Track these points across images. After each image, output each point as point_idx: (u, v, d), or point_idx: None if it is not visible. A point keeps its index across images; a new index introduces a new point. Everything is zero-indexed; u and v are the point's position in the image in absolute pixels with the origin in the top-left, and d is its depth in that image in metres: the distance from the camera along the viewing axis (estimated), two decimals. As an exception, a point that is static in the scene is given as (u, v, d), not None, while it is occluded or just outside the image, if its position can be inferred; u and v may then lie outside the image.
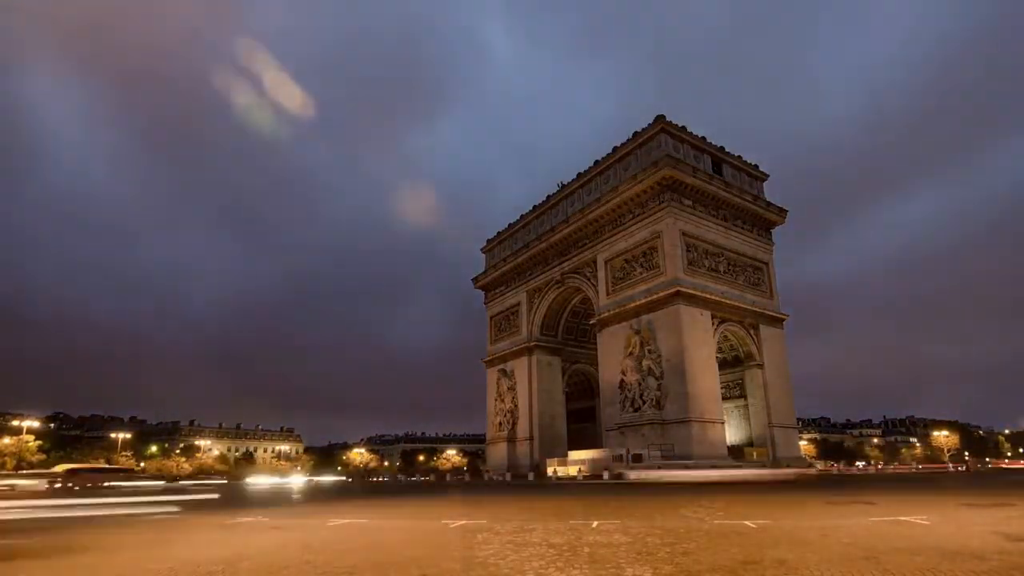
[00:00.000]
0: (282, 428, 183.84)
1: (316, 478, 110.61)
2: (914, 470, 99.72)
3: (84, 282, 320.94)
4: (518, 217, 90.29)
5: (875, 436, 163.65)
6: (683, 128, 66.79)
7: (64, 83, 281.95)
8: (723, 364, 62.66)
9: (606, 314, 66.99)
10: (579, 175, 77.04)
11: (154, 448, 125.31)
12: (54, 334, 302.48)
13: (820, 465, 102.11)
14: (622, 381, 63.05)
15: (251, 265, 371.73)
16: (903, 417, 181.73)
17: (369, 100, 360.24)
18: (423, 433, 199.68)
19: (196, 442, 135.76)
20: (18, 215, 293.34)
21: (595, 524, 13.16)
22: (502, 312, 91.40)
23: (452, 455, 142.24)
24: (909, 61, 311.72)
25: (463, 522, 14.37)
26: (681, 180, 63.02)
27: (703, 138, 68.46)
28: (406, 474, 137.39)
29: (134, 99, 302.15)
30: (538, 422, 79.62)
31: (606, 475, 55.85)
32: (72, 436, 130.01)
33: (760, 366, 64.94)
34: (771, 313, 67.90)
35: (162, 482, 47.11)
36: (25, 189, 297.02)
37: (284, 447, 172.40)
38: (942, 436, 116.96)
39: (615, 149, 70.98)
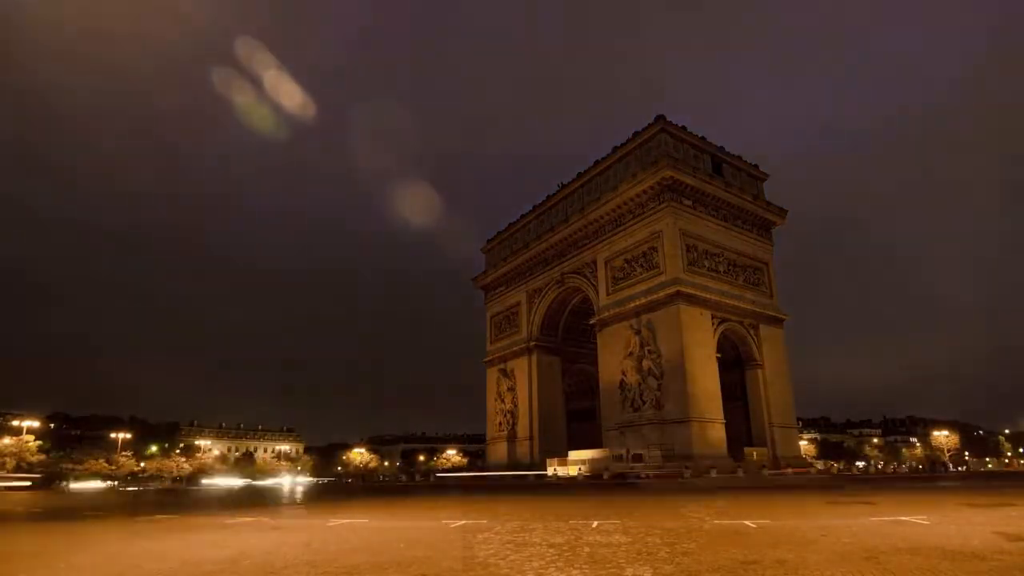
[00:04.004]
0: (283, 428, 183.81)
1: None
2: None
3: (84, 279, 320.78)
4: (518, 217, 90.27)
5: (875, 436, 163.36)
6: (683, 128, 66.76)
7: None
8: (723, 364, 62.64)
9: (606, 314, 66.96)
10: (579, 175, 76.98)
11: (154, 448, 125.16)
12: (54, 333, 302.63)
13: (820, 465, 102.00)
14: (622, 381, 63.02)
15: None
16: (903, 417, 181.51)
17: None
18: (423, 433, 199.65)
19: (196, 442, 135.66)
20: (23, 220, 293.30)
21: (595, 524, 13.17)
22: (502, 312, 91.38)
23: (452, 455, 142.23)
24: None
25: (463, 522, 14.38)
26: (681, 180, 62.97)
27: (703, 138, 68.44)
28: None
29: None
30: (538, 422, 79.61)
31: (605, 474, 55.87)
32: (72, 436, 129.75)
33: (760, 366, 64.90)
34: (771, 313, 67.86)
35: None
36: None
37: (285, 447, 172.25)
38: (942, 436, 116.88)
39: (615, 149, 70.94)
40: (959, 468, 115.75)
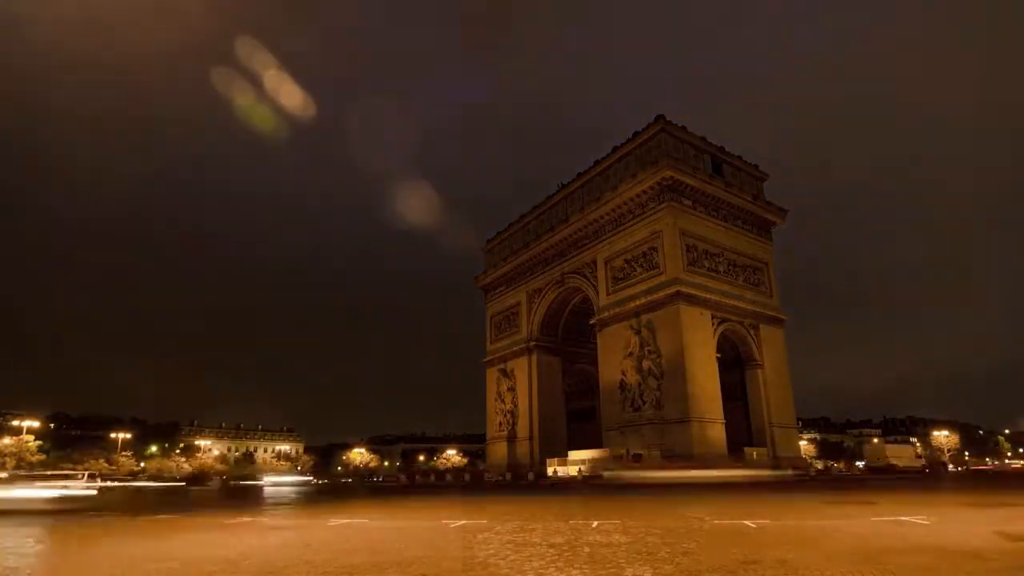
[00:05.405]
0: (283, 428, 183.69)
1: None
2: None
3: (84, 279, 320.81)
4: (518, 217, 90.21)
5: (875, 436, 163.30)
6: (683, 128, 66.73)
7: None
8: (723, 364, 62.66)
9: (606, 314, 66.93)
10: (579, 175, 76.96)
11: (154, 448, 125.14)
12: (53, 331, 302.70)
13: (820, 465, 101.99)
14: (622, 381, 62.99)
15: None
16: (903, 417, 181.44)
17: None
18: (423, 433, 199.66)
19: (196, 442, 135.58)
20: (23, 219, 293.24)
21: (595, 524, 13.15)
22: (502, 312, 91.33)
23: (452, 455, 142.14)
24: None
25: (463, 522, 14.36)
26: (681, 180, 62.95)
27: (703, 138, 68.40)
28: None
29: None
30: (538, 422, 79.56)
31: (605, 474, 55.77)
32: (72, 436, 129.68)
33: (760, 366, 64.87)
34: (771, 313, 67.83)
35: None
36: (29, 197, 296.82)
37: (284, 447, 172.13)
38: (942, 436, 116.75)
39: (615, 149, 70.91)
40: (959, 468, 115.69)
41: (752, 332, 65.34)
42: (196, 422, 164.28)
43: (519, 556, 8.71)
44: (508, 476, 72.85)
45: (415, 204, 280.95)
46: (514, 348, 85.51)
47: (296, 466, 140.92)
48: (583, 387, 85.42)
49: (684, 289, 59.15)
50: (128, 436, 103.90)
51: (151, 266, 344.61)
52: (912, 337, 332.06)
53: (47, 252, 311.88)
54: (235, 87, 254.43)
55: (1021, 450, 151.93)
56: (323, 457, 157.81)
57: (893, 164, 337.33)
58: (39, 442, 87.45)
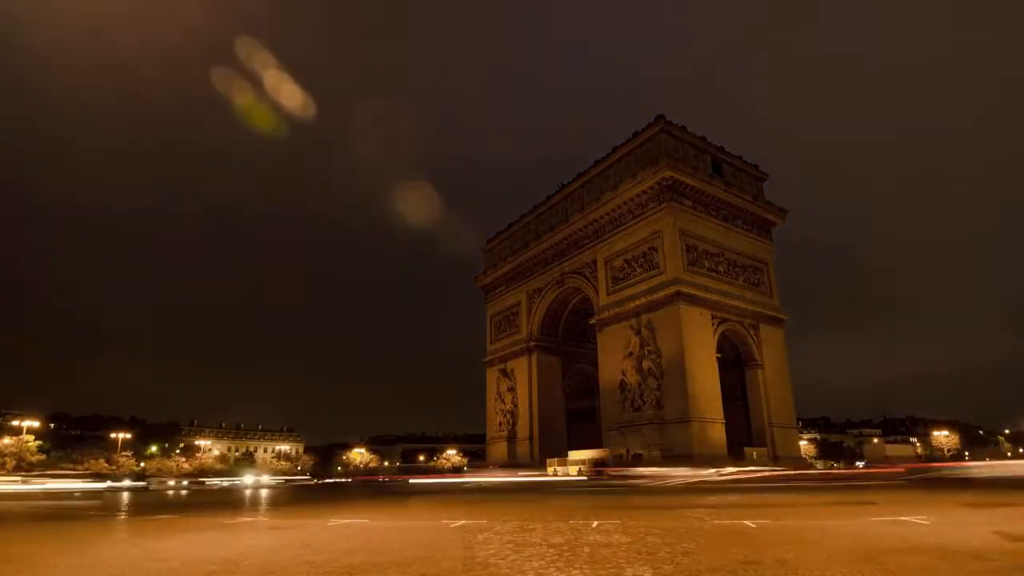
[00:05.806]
0: (283, 428, 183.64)
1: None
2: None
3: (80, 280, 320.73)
4: (518, 217, 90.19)
5: (875, 436, 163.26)
6: (683, 128, 66.71)
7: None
8: (723, 364, 62.67)
9: (606, 314, 66.94)
10: (579, 175, 76.95)
11: (154, 448, 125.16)
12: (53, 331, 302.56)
13: (820, 465, 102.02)
14: (622, 381, 63.00)
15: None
16: (903, 417, 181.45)
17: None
18: (423, 433, 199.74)
19: (196, 442, 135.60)
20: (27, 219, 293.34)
21: (595, 524, 13.15)
22: (502, 312, 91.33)
23: (452, 455, 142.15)
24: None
25: (463, 522, 14.35)
26: (681, 180, 62.95)
27: (703, 138, 68.38)
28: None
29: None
30: (538, 422, 79.58)
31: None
32: (72, 436, 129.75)
33: (760, 366, 64.87)
34: (771, 313, 67.83)
35: None
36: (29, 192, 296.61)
37: (284, 447, 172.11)
38: (942, 436, 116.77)
39: (615, 149, 70.91)
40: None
41: (752, 332, 65.35)
42: (196, 422, 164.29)
43: (519, 556, 8.71)
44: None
45: (415, 204, 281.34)
46: (514, 348, 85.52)
47: (296, 466, 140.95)
48: (583, 387, 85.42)
49: (684, 289, 59.16)
50: (128, 436, 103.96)
51: (151, 266, 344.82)
52: (912, 337, 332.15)
53: (46, 252, 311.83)
54: (235, 87, 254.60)
55: (1021, 450, 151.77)
56: (323, 457, 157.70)
57: (893, 163, 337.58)
58: (39, 442, 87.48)
